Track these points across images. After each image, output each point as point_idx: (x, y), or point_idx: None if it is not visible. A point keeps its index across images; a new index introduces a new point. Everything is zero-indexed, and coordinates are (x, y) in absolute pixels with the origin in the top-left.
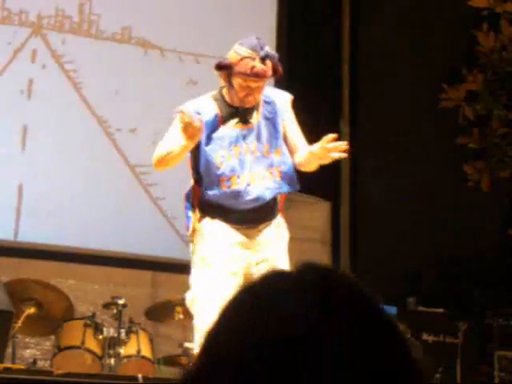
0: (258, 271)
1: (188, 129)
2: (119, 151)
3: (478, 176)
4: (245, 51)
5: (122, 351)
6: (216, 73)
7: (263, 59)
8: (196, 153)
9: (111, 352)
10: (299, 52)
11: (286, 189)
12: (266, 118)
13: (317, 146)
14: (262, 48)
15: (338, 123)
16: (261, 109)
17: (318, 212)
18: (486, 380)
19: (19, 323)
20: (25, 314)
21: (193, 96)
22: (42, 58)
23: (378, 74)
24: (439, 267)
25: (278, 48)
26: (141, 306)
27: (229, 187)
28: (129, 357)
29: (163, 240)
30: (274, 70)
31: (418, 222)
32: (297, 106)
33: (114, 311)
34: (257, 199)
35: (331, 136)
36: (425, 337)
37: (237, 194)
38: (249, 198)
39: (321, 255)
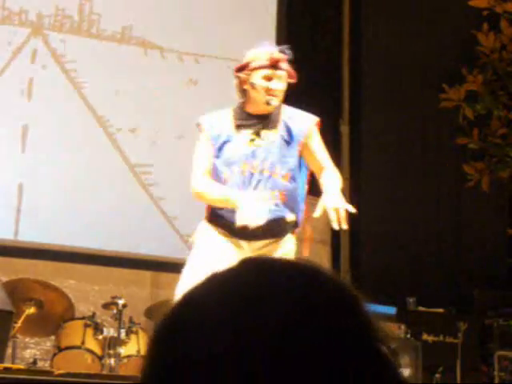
0: None
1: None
2: (119, 151)
3: (477, 176)
4: (259, 50)
5: (122, 351)
6: (235, 84)
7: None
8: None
9: (111, 352)
10: (299, 52)
11: (286, 214)
12: (283, 140)
13: (327, 203)
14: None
15: (337, 123)
16: (280, 128)
17: None
18: (486, 380)
19: (19, 323)
20: (25, 314)
21: (193, 96)
22: (42, 58)
23: (378, 74)
24: (439, 267)
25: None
26: (141, 306)
27: None
28: (129, 357)
29: (163, 240)
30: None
31: (418, 222)
32: (297, 106)
33: (114, 311)
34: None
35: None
36: (425, 337)
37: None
38: None
39: (321, 255)
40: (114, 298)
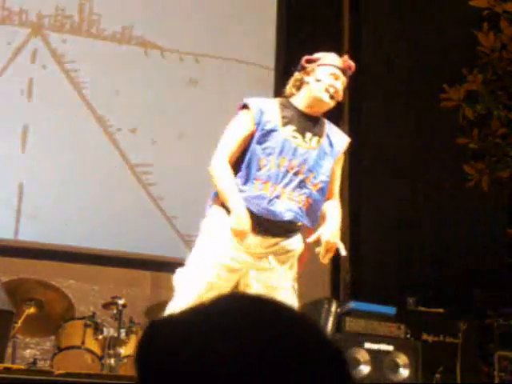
0: (256, 277)
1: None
2: (119, 151)
3: (477, 176)
4: (333, 54)
5: (122, 351)
6: (295, 76)
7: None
8: (246, 147)
9: (111, 352)
10: (299, 52)
11: (305, 220)
12: (324, 151)
13: (323, 234)
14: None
15: (337, 123)
16: (324, 137)
17: None
18: (486, 380)
19: (19, 323)
20: (25, 314)
21: (193, 96)
22: (42, 57)
23: (378, 73)
24: (439, 267)
25: (278, 48)
26: (141, 306)
27: (260, 190)
28: (129, 357)
29: (163, 240)
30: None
31: (417, 222)
32: None
33: (114, 311)
34: (277, 214)
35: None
36: (425, 337)
37: (262, 200)
38: (271, 208)
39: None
40: (114, 298)
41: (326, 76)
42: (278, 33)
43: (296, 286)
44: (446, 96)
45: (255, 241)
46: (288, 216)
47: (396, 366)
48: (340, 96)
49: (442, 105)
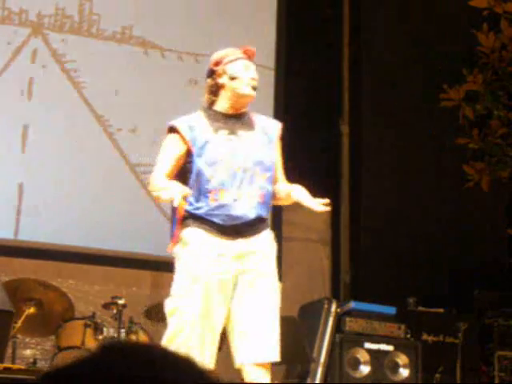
0: (246, 280)
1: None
2: (119, 151)
3: (478, 176)
4: (227, 49)
5: None
6: (208, 84)
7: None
8: (188, 164)
9: None
10: (299, 52)
11: (263, 212)
12: (261, 142)
13: (302, 200)
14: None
15: (338, 123)
16: (257, 129)
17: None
18: (486, 380)
19: (19, 323)
20: (25, 314)
21: (193, 96)
22: (42, 57)
23: (378, 74)
24: (439, 267)
25: (278, 47)
26: (141, 305)
27: (216, 200)
28: None
29: (163, 240)
30: None
31: (417, 222)
32: (297, 106)
33: (114, 311)
34: (241, 216)
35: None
36: (425, 337)
37: (222, 208)
38: (234, 213)
39: (321, 255)
40: (113, 298)
41: (240, 71)
42: (277, 33)
43: (279, 284)
44: (446, 96)
45: (229, 245)
46: (252, 214)
47: (396, 366)
48: (256, 82)
49: (442, 105)
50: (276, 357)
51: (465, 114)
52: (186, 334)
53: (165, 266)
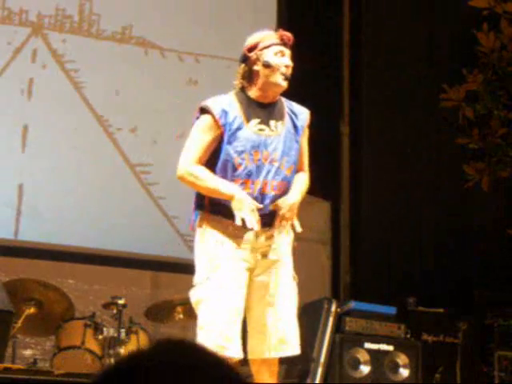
0: (266, 268)
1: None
2: (120, 151)
3: (478, 176)
4: (264, 32)
5: (122, 351)
6: (242, 69)
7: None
8: (217, 150)
9: (111, 352)
10: (299, 52)
11: None
12: (290, 132)
13: (280, 202)
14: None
15: (338, 123)
16: (286, 119)
17: (317, 212)
18: (486, 380)
19: (19, 323)
20: (25, 314)
21: (193, 96)
22: (42, 57)
23: (379, 73)
24: (439, 267)
25: None
26: (141, 306)
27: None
28: None
29: (164, 240)
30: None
31: (417, 222)
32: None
33: (114, 311)
34: (264, 207)
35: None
36: (425, 337)
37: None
38: (258, 203)
39: (321, 255)
40: (113, 298)
41: (273, 58)
42: None
43: (296, 277)
44: (446, 96)
45: (250, 235)
46: (271, 207)
47: (396, 366)
48: (291, 69)
49: (442, 105)
50: (297, 350)
51: (465, 113)
52: (216, 321)
53: (165, 266)
